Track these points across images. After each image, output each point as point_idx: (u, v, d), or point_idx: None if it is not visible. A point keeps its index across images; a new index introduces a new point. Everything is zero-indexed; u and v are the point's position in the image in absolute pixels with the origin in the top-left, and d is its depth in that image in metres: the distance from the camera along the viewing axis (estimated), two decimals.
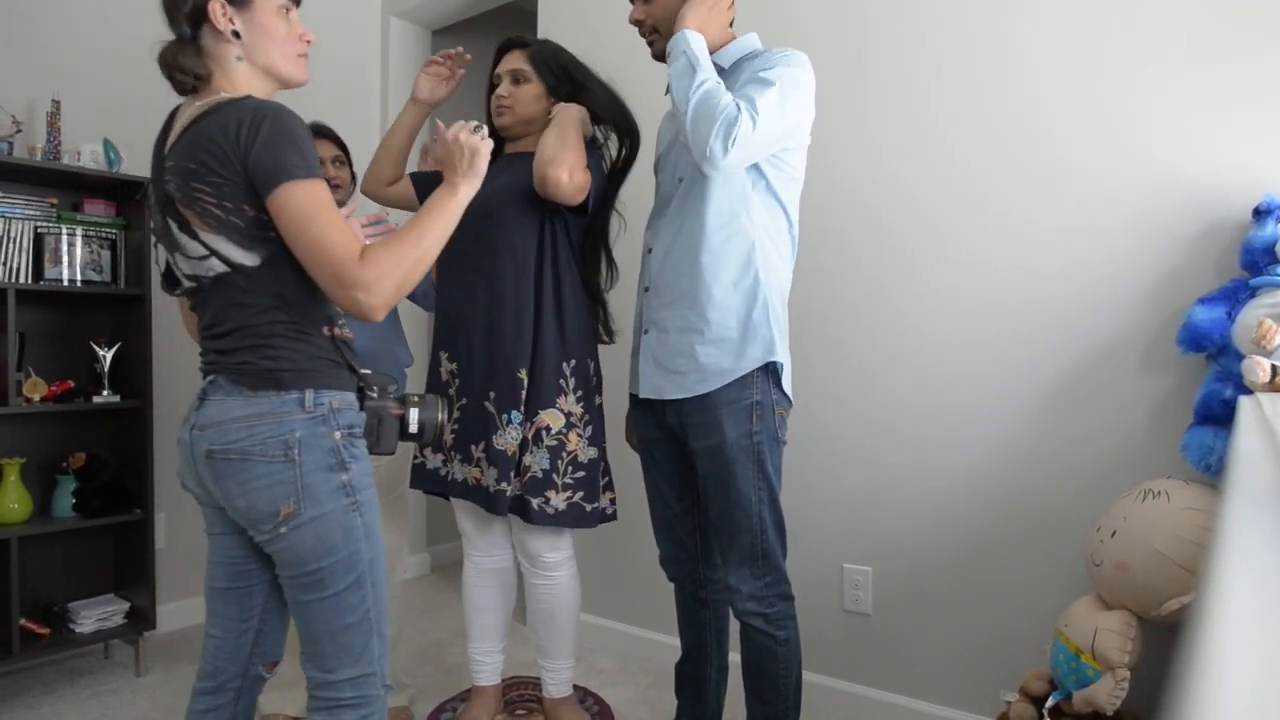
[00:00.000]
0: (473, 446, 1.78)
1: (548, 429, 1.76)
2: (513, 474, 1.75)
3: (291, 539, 1.15)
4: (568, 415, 1.78)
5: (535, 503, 1.74)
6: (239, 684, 1.31)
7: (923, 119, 2.04)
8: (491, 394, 1.76)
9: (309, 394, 1.16)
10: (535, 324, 1.77)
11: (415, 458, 1.92)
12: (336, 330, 1.25)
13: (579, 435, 1.79)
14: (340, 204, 2.12)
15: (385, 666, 1.25)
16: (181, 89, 1.22)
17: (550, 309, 1.78)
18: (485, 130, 1.30)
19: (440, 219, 1.23)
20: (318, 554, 1.16)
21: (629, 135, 1.85)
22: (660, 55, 1.62)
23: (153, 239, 1.26)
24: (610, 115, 1.83)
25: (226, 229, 1.14)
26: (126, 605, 2.45)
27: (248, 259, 1.15)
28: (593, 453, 1.81)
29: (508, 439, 1.75)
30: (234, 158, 1.11)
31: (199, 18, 1.19)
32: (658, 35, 1.60)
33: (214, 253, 1.15)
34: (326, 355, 1.21)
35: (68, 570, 2.50)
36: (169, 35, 1.22)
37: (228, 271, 1.16)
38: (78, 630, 2.34)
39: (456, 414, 1.81)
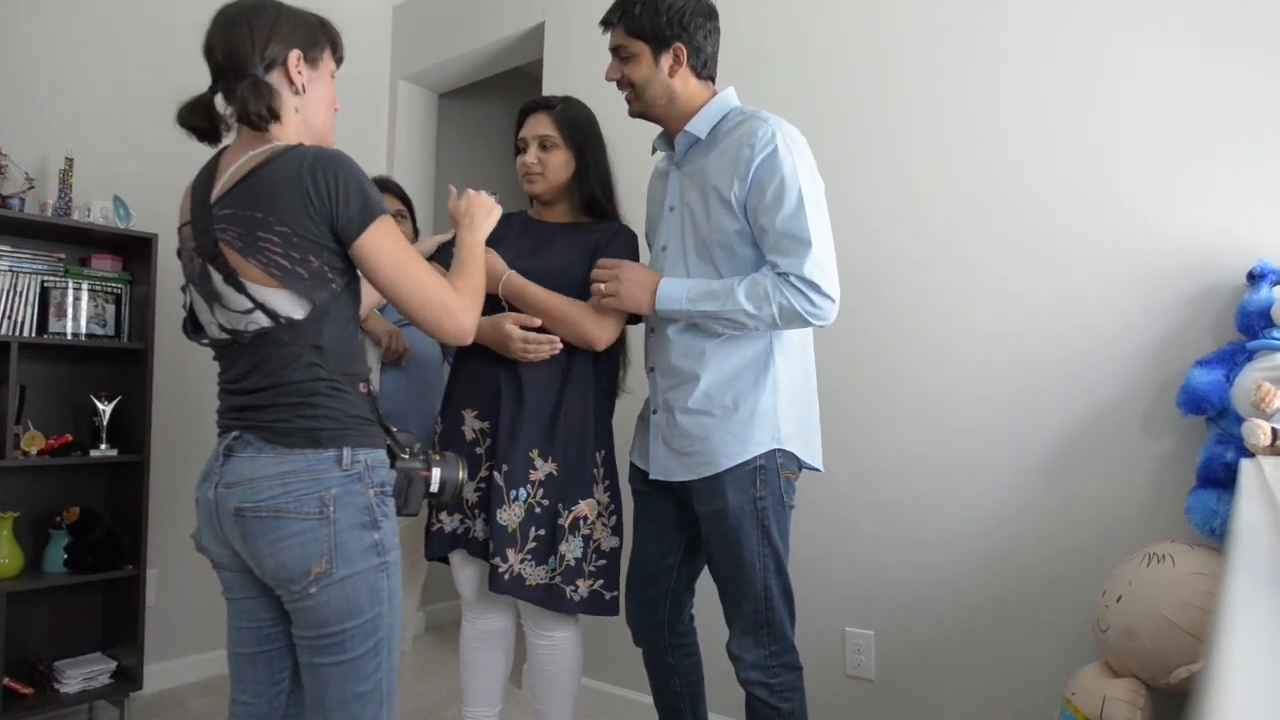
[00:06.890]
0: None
1: (585, 518, 1.76)
2: (510, 551, 1.72)
3: (319, 599, 1.12)
4: (599, 505, 1.78)
5: (568, 590, 1.74)
6: None
7: (916, 189, 2.07)
8: (505, 467, 1.74)
9: (346, 452, 1.15)
10: (564, 406, 1.74)
11: (433, 524, 1.86)
12: (369, 387, 1.24)
13: (604, 525, 1.79)
14: None
15: None
16: (255, 124, 1.18)
17: (580, 393, 1.76)
18: (496, 197, 1.49)
19: (475, 260, 1.35)
20: (343, 615, 1.13)
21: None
22: (638, 114, 1.61)
23: (182, 285, 1.26)
24: (598, 196, 1.82)
25: (290, 279, 1.13)
26: (113, 664, 2.40)
27: (296, 311, 1.14)
28: (614, 542, 1.80)
29: (511, 514, 1.74)
30: (313, 205, 1.12)
31: (273, 64, 1.20)
32: (633, 93, 1.58)
33: (260, 306, 1.13)
34: (362, 413, 1.20)
35: (55, 627, 2.45)
36: (182, 94, 1.22)
37: (271, 327, 1.14)
38: (62, 690, 2.29)
39: (483, 472, 1.77)
